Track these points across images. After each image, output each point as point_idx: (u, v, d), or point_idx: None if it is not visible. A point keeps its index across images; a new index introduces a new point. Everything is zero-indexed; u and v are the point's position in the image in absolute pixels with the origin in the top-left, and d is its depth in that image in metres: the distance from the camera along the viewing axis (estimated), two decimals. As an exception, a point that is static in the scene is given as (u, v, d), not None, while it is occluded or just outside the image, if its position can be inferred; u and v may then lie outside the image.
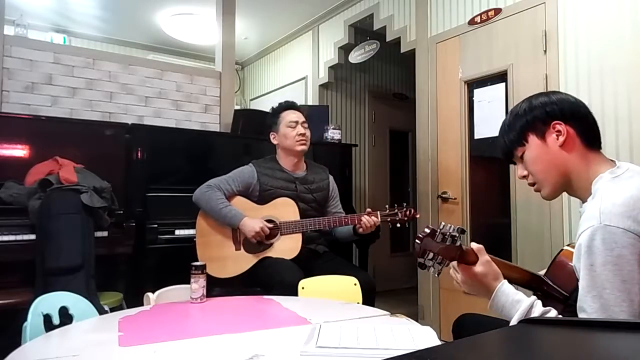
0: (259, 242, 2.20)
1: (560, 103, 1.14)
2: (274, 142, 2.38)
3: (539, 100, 1.17)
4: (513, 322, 1.05)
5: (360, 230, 2.20)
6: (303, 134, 2.31)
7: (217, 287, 2.19)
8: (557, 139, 1.11)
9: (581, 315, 0.98)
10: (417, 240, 1.11)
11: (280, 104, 2.45)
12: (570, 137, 1.11)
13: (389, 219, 2.19)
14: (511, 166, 2.74)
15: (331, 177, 2.50)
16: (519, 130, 1.17)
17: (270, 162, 2.37)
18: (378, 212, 2.19)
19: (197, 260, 1.57)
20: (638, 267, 0.92)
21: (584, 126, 1.12)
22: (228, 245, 2.23)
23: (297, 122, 2.33)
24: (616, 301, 0.92)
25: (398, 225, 2.20)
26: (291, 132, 2.31)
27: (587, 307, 0.96)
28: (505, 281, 1.12)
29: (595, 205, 1.00)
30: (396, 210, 2.19)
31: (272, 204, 2.26)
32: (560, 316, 1.06)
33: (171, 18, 4.55)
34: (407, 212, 2.19)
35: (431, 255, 1.11)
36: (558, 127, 1.11)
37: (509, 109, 1.26)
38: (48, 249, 2.09)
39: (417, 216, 2.24)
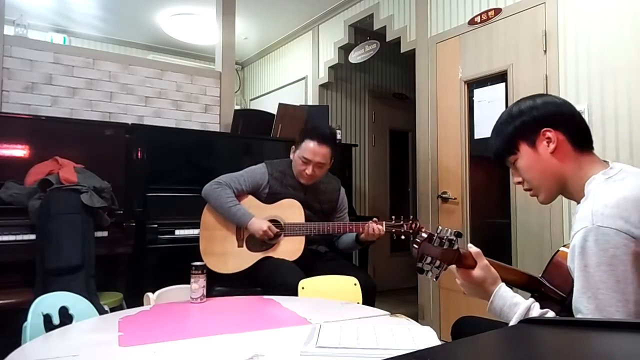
0: (262, 241, 2.20)
1: (546, 107, 1.13)
2: (291, 156, 2.32)
3: (525, 104, 1.15)
4: (511, 324, 1.06)
5: (363, 235, 2.20)
6: (309, 175, 2.23)
7: (218, 286, 2.19)
8: (548, 147, 1.11)
9: (577, 316, 0.98)
10: (414, 245, 1.12)
11: (316, 128, 2.32)
12: (560, 144, 1.10)
13: (393, 230, 2.19)
14: (510, 170, 2.74)
15: (342, 190, 2.48)
16: (509, 138, 1.17)
17: (283, 166, 2.34)
18: (384, 222, 2.19)
19: (197, 260, 1.57)
20: (631, 267, 0.92)
21: (573, 129, 1.11)
22: (231, 242, 2.24)
23: (310, 162, 2.22)
24: (611, 301, 0.92)
25: (402, 237, 2.19)
26: (301, 166, 2.25)
27: (583, 308, 0.96)
28: (503, 284, 1.13)
29: (588, 206, 1.00)
30: (402, 222, 2.20)
31: (279, 204, 2.26)
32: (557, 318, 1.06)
33: (171, 18, 4.55)
34: (413, 225, 2.19)
35: (429, 259, 1.12)
36: (548, 134, 1.11)
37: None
38: (48, 249, 2.09)
39: (423, 229, 2.20)
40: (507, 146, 1.18)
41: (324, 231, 2.22)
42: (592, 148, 1.13)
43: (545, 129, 1.11)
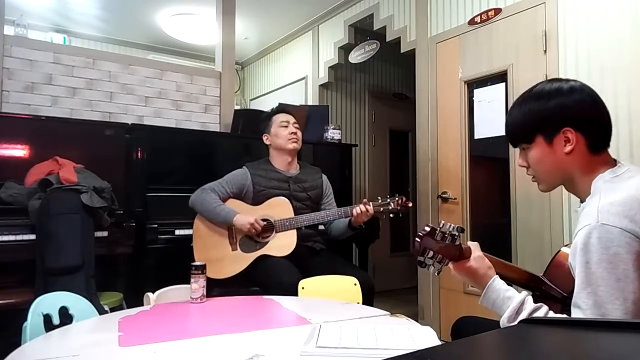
0: (255, 241, 2.21)
1: (578, 107, 1.08)
2: (267, 142, 2.44)
3: (556, 100, 1.09)
4: (503, 318, 1.06)
5: (353, 219, 2.20)
6: (294, 133, 2.38)
7: (217, 288, 2.19)
8: (565, 146, 1.08)
9: (575, 311, 0.99)
10: (416, 239, 1.12)
11: (272, 109, 2.57)
12: (578, 146, 1.08)
13: (381, 209, 2.19)
14: (511, 165, 2.75)
15: (324, 176, 2.52)
16: (528, 128, 1.13)
17: (263, 164, 2.41)
18: (371, 203, 2.20)
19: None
20: (633, 266, 0.92)
21: (595, 132, 1.08)
22: (224, 246, 2.24)
23: (288, 122, 2.40)
24: (610, 298, 0.93)
25: (392, 215, 2.20)
26: (283, 132, 2.37)
27: (582, 304, 0.96)
28: (497, 277, 1.13)
29: (594, 203, 1.00)
30: (389, 200, 2.20)
31: (267, 204, 2.27)
32: (552, 312, 1.06)
33: (171, 18, 4.55)
34: (399, 201, 2.19)
35: (431, 253, 1.11)
36: (569, 134, 1.07)
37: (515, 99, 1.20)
38: (48, 249, 2.09)
39: (409, 204, 2.23)
40: (524, 135, 1.15)
41: (314, 221, 2.24)
42: (607, 147, 1.11)
43: (567, 128, 1.08)
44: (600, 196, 1.00)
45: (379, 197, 2.23)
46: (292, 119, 2.42)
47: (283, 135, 2.37)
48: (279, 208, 2.25)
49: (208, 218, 2.26)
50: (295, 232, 2.21)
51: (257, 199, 2.30)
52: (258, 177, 2.33)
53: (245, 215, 2.20)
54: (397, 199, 2.20)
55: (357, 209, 2.17)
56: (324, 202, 2.48)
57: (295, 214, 2.24)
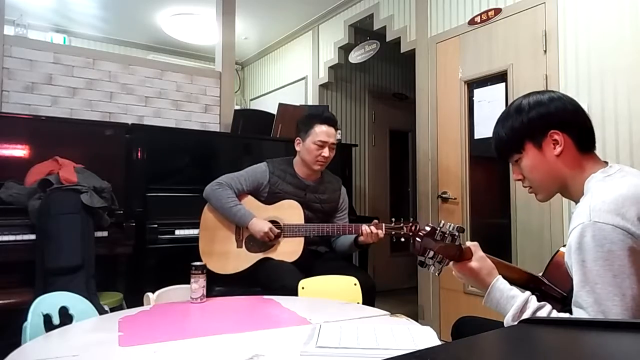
0: (261, 242, 2.20)
1: (559, 112, 1.12)
2: (297, 148, 2.32)
3: (535, 103, 1.14)
4: (508, 317, 1.07)
5: (361, 238, 2.18)
6: (326, 157, 2.26)
7: (217, 287, 2.19)
8: (555, 149, 1.11)
9: (577, 309, 0.99)
10: (417, 239, 1.12)
11: (320, 110, 2.34)
12: (567, 146, 1.11)
13: (393, 232, 2.16)
14: (511, 165, 2.74)
15: (343, 189, 2.47)
16: (516, 137, 1.16)
17: (285, 165, 2.34)
18: (383, 225, 2.17)
19: (197, 260, 1.57)
20: (628, 262, 0.93)
21: (581, 133, 1.12)
22: (230, 242, 2.23)
23: (325, 144, 2.25)
24: (608, 296, 0.94)
25: (402, 239, 2.16)
26: (315, 151, 2.24)
27: (582, 302, 0.97)
28: (500, 277, 1.14)
29: (586, 202, 1.01)
30: (402, 224, 2.17)
31: (278, 205, 2.25)
32: (555, 311, 1.07)
33: (171, 18, 4.55)
34: (412, 227, 2.16)
35: (431, 253, 1.12)
36: (556, 136, 1.11)
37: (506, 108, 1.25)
38: (48, 249, 2.09)
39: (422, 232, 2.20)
40: (513, 144, 1.17)
41: (323, 232, 2.22)
42: (594, 148, 1.14)
43: (553, 130, 1.11)
44: (592, 195, 1.02)
45: (393, 219, 2.19)
46: (331, 138, 2.26)
47: (314, 154, 2.24)
48: (290, 211, 2.23)
49: (223, 215, 2.22)
50: (303, 239, 2.19)
51: (270, 199, 2.27)
52: (276, 177, 2.28)
53: (261, 221, 2.16)
54: (410, 224, 2.16)
55: (367, 229, 2.13)
56: (337, 216, 2.43)
57: (305, 222, 2.22)
